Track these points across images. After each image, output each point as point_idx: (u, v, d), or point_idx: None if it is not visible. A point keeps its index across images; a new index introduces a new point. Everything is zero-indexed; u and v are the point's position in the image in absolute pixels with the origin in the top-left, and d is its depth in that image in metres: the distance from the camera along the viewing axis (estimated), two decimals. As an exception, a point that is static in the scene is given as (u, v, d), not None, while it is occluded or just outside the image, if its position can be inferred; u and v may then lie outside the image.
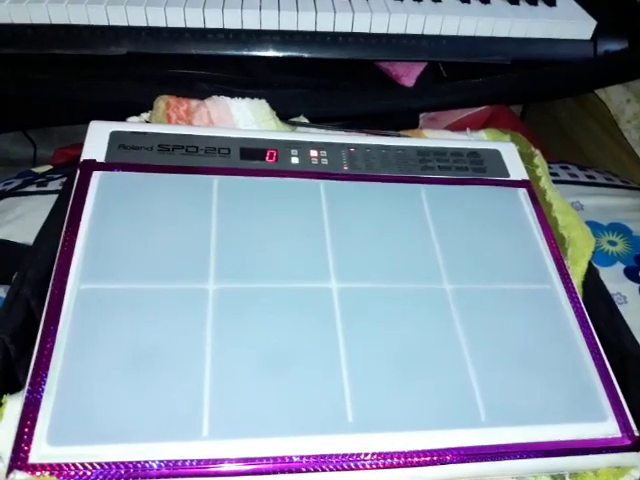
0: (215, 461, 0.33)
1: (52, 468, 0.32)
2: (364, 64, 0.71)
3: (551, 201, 0.54)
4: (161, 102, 0.54)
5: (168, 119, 0.53)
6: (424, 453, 0.36)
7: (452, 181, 0.51)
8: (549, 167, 0.58)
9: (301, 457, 0.34)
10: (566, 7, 0.69)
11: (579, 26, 0.67)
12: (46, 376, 0.35)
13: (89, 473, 0.32)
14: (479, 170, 0.52)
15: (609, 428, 0.39)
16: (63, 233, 0.41)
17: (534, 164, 0.57)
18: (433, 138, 0.58)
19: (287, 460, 0.34)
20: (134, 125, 0.50)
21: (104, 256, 0.41)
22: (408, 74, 0.70)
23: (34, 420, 0.33)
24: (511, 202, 0.51)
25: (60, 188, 0.57)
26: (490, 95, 0.73)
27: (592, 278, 0.50)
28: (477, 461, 0.36)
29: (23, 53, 0.61)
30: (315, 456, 0.34)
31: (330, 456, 0.35)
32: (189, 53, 0.61)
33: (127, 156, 0.47)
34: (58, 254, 0.40)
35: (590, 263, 0.50)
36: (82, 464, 0.32)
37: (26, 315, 0.40)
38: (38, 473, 0.31)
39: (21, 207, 0.57)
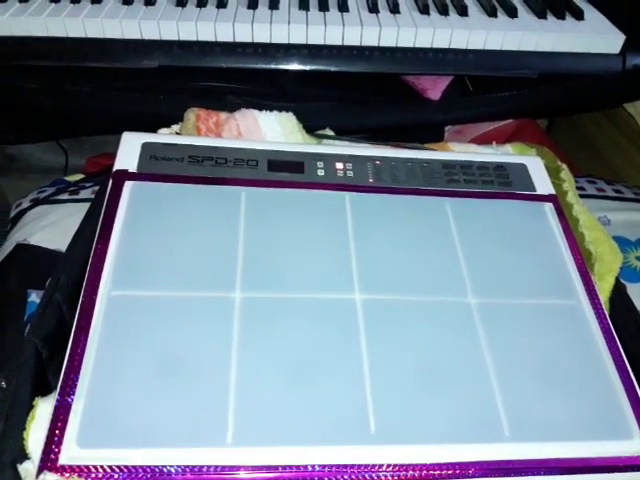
0: (238, 468, 0.34)
1: (80, 470, 0.32)
2: (390, 77, 0.71)
3: (578, 216, 0.53)
4: (191, 114, 0.55)
5: (198, 131, 0.54)
6: (446, 466, 0.36)
7: (478, 194, 0.51)
8: (576, 181, 0.58)
9: (323, 466, 0.35)
10: (594, 21, 0.69)
11: (607, 40, 0.67)
12: (77, 380, 0.36)
13: (116, 476, 0.33)
14: (505, 184, 0.52)
15: (635, 446, 0.38)
16: (95, 241, 0.43)
17: (560, 178, 0.56)
18: (459, 151, 0.59)
19: (309, 469, 0.34)
20: (165, 137, 0.51)
21: (134, 264, 0.42)
22: (434, 88, 0.70)
23: (64, 423, 0.34)
24: (537, 217, 0.51)
25: (92, 196, 0.59)
26: (516, 109, 0.73)
27: (619, 294, 0.49)
28: (499, 476, 0.36)
29: (58, 65, 0.63)
30: (337, 466, 0.35)
31: (352, 466, 0.35)
32: (219, 66, 0.63)
33: (158, 167, 0.48)
34: (90, 261, 0.42)
35: (617, 279, 0.50)
36: (110, 467, 0.33)
37: (58, 320, 0.42)
38: (67, 474, 0.32)
39: (54, 214, 0.59)
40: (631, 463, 0.38)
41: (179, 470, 0.33)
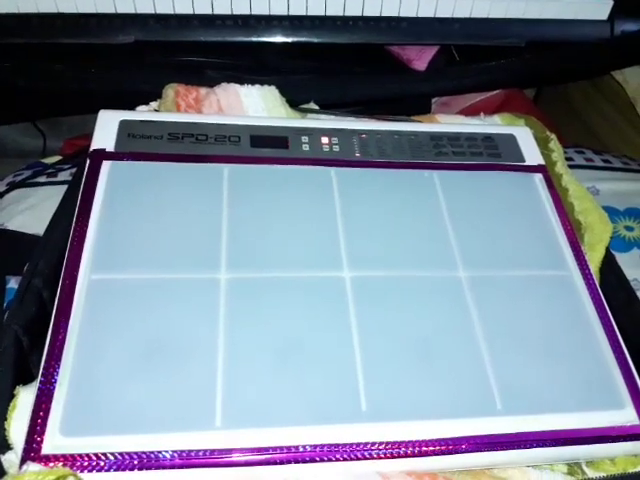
0: (228, 451, 0.33)
1: (65, 459, 0.32)
2: (375, 48, 0.70)
3: (567, 186, 0.53)
4: (170, 90, 0.53)
5: (177, 107, 0.53)
6: (439, 442, 0.35)
7: (466, 167, 0.50)
8: (564, 152, 0.57)
9: (314, 446, 0.34)
10: (582, -14, 0.67)
11: (595, 6, 0.65)
12: (58, 367, 0.35)
13: (102, 463, 0.32)
14: (494, 155, 0.51)
15: (627, 416, 0.38)
16: (73, 223, 0.41)
17: (549, 148, 0.56)
18: (446, 123, 0.57)
19: (300, 450, 0.34)
20: (143, 114, 0.50)
21: (115, 246, 0.40)
22: (420, 58, 0.69)
23: (47, 411, 0.33)
24: (527, 188, 0.50)
25: (70, 178, 0.57)
26: (504, 78, 0.72)
27: (610, 264, 0.49)
28: (493, 450, 0.36)
29: (30, 43, 0.60)
30: (329, 445, 0.34)
31: (344, 445, 0.34)
32: (198, 40, 0.61)
33: (137, 145, 0.46)
34: (69, 244, 0.40)
35: (607, 249, 0.49)
36: (95, 455, 0.32)
37: (38, 306, 0.40)
38: (51, 464, 0.31)
39: (32, 198, 0.57)
40: (623, 433, 0.37)
41: (167, 455, 0.32)
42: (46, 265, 0.42)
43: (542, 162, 0.52)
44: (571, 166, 0.58)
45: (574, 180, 0.53)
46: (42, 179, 0.60)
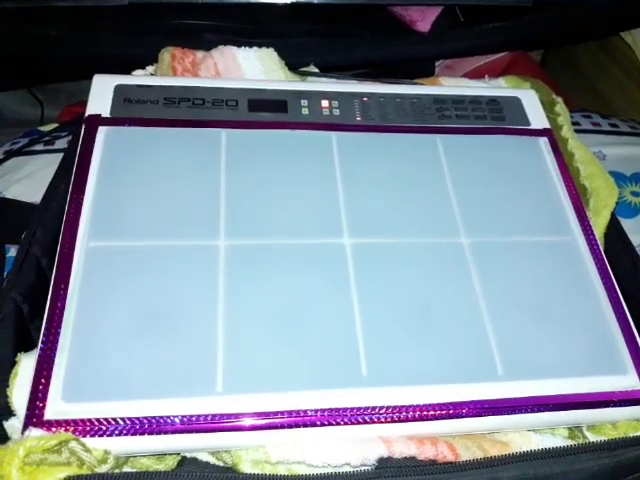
0: (229, 416, 0.33)
1: (68, 424, 0.32)
2: (377, 9, 0.68)
3: (573, 150, 0.52)
4: (166, 54, 0.52)
5: (174, 71, 0.51)
6: (439, 406, 0.35)
7: (470, 130, 0.49)
8: (570, 116, 0.56)
9: (316, 411, 0.34)
10: (592, -58, 0.65)
11: (605, -37, 0.63)
12: (59, 334, 0.35)
13: (104, 428, 0.32)
14: (498, 118, 0.50)
15: (629, 381, 0.38)
16: (70, 191, 0.41)
17: (555, 112, 0.54)
18: (450, 86, 0.56)
19: (302, 414, 0.34)
20: (139, 78, 0.48)
21: (112, 213, 0.40)
22: (423, 19, 0.67)
23: (48, 377, 0.33)
24: (532, 152, 0.49)
25: (67, 146, 0.56)
26: (510, 40, 0.69)
27: (615, 230, 0.48)
28: (493, 414, 0.36)
29: (21, 7, 0.59)
30: (330, 410, 0.34)
31: (345, 410, 0.34)
32: (194, 2, 0.59)
33: (132, 110, 0.45)
34: (65, 212, 0.40)
35: (613, 214, 0.49)
36: (97, 420, 0.32)
37: (38, 274, 0.40)
38: (54, 429, 0.31)
39: (29, 166, 0.57)
40: (626, 397, 0.37)
41: (168, 421, 0.32)
42: (44, 233, 0.41)
43: (548, 126, 0.51)
44: (577, 130, 0.57)
45: (580, 144, 0.52)
46: (39, 147, 0.59)
